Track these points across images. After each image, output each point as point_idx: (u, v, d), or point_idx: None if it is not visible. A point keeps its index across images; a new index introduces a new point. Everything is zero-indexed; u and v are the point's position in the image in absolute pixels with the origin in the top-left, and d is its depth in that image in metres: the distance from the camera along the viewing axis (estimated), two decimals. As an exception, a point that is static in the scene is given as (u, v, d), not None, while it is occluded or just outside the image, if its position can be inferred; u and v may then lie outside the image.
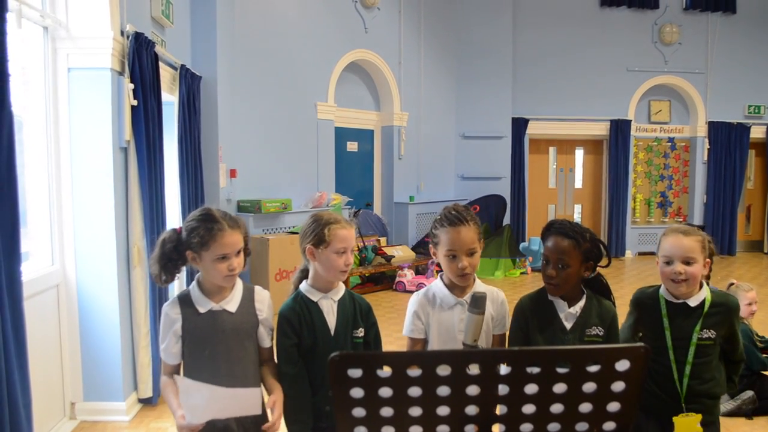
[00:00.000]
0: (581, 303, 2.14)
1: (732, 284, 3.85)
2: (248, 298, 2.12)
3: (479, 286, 2.20)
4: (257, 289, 2.17)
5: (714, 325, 2.19)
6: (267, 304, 2.16)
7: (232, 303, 2.07)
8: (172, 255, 2.02)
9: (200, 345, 2.03)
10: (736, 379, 2.37)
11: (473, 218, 2.16)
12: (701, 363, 2.19)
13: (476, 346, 1.80)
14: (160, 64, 4.32)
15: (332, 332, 2.15)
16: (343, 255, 2.12)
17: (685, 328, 2.20)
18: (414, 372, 1.10)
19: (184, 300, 2.06)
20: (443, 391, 1.11)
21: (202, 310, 2.04)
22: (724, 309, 2.22)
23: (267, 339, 2.16)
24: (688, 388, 2.19)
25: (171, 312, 2.04)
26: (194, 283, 2.09)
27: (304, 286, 2.20)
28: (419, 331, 2.17)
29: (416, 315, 2.18)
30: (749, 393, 3.87)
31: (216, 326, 2.03)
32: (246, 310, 2.10)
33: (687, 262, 2.15)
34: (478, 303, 1.79)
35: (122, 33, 3.82)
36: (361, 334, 2.19)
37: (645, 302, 2.29)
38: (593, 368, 1.10)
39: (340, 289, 2.22)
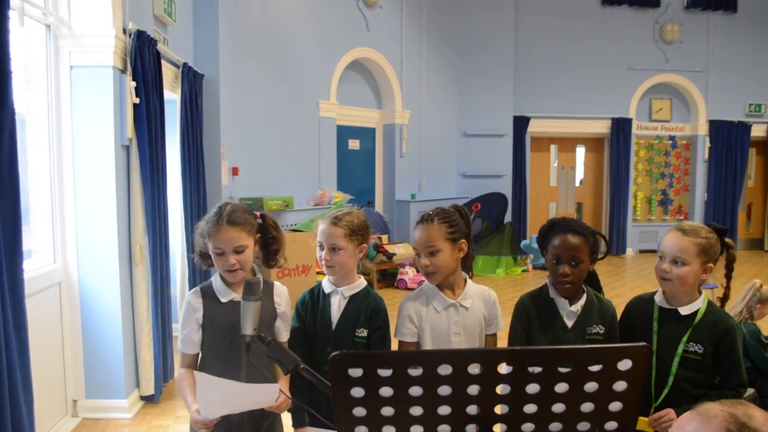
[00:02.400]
0: (582, 301, 2.13)
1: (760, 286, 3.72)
2: (268, 292, 2.16)
3: (471, 285, 2.19)
4: (276, 284, 2.22)
5: (702, 340, 2.06)
6: (285, 299, 2.21)
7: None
8: (200, 241, 2.12)
9: (220, 334, 2.08)
10: None
11: (447, 219, 2.11)
12: (686, 377, 2.07)
13: (256, 337, 1.72)
14: (163, 62, 4.32)
15: (333, 327, 2.18)
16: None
17: (672, 336, 2.09)
18: (415, 371, 1.10)
19: (206, 290, 2.13)
20: (444, 390, 1.11)
21: (223, 299, 2.10)
22: (713, 324, 2.07)
23: (284, 333, 2.20)
24: (667, 398, 2.08)
25: (193, 301, 2.11)
26: (216, 273, 2.15)
27: (325, 278, 2.25)
28: (412, 335, 2.16)
29: (409, 318, 2.17)
30: (750, 391, 3.85)
31: (237, 315, 2.04)
32: (265, 303, 2.11)
33: (676, 261, 2.04)
34: (252, 289, 1.73)
35: (124, 31, 3.81)
36: (363, 335, 2.18)
37: (640, 305, 2.21)
38: (595, 368, 1.11)
39: (356, 286, 2.23)
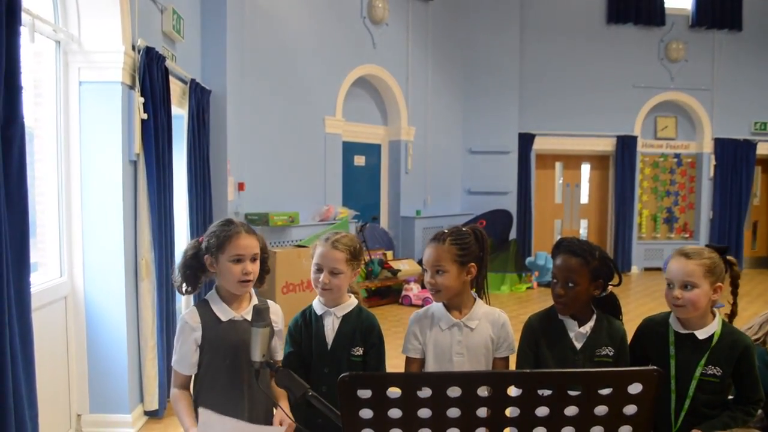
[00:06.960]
0: (591, 323, 2.12)
1: None
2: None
3: (480, 307, 2.18)
4: (270, 303, 2.19)
5: (720, 362, 2.05)
6: (280, 316, 2.19)
7: (251, 313, 2.08)
8: (192, 263, 2.07)
9: (221, 354, 2.03)
10: (753, 418, 2.17)
11: (458, 241, 2.11)
12: (704, 400, 2.06)
13: (265, 363, 1.72)
14: (171, 78, 4.35)
15: (329, 347, 2.19)
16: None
17: (691, 361, 2.08)
18: (424, 393, 1.10)
19: (204, 308, 2.07)
20: (453, 412, 1.10)
21: (223, 318, 2.05)
22: (731, 345, 2.07)
23: (279, 352, 2.18)
24: (685, 422, 2.07)
25: (191, 320, 2.04)
26: (213, 291, 2.11)
27: (315, 300, 2.25)
28: (416, 351, 2.18)
29: (414, 334, 2.19)
30: (758, 411, 3.80)
31: (238, 335, 2.02)
32: None
33: (686, 286, 2.04)
34: (260, 315, 1.72)
35: (133, 47, 3.85)
36: (359, 353, 2.19)
37: (653, 328, 2.19)
38: (605, 391, 1.10)
39: (348, 305, 2.24)
